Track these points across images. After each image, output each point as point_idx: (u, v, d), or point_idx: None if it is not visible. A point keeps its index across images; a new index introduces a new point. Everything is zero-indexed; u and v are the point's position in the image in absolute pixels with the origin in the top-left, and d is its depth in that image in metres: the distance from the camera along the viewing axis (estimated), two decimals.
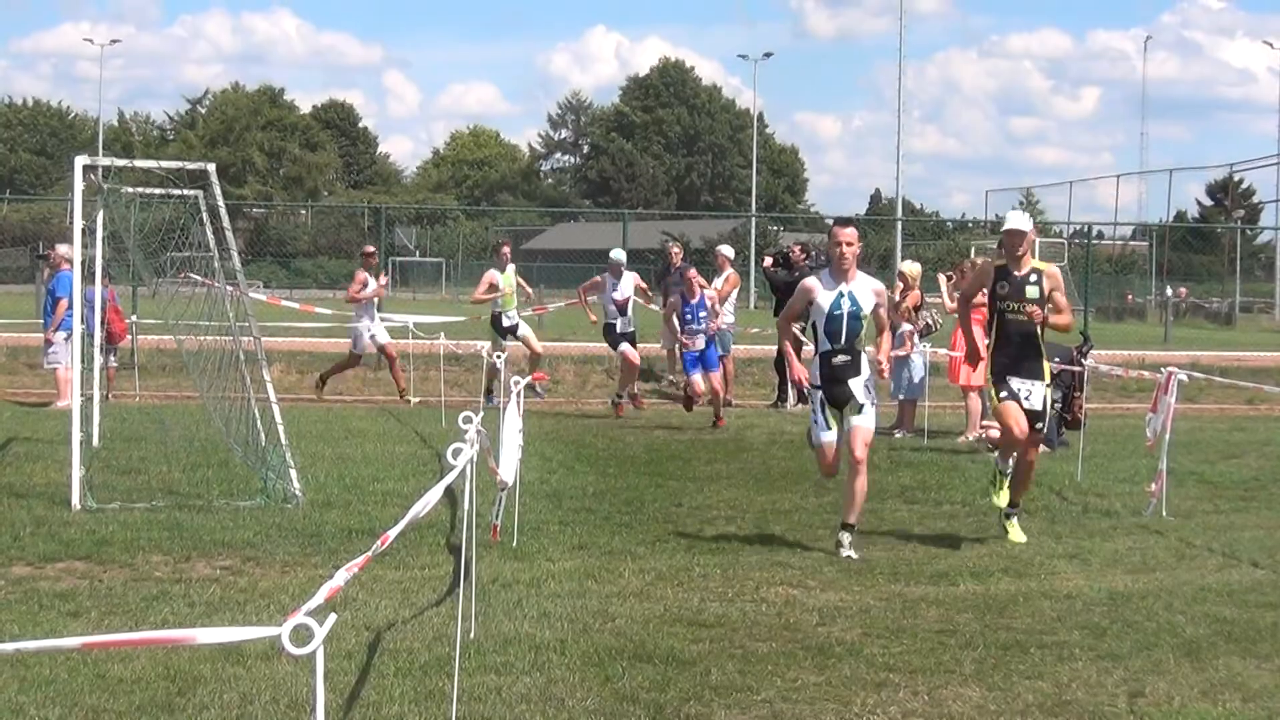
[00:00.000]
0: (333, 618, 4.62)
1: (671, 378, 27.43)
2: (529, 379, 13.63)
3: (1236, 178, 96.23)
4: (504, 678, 8.40)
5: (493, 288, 24.88)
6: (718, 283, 25.14)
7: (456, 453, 7.70)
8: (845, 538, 12.35)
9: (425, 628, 9.45)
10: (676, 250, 27.91)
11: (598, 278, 24.43)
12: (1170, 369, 15.02)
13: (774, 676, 8.61)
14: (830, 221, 17.87)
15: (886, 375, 13.79)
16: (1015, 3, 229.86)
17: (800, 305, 12.78)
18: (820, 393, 12.59)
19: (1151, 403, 15.32)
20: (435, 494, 6.70)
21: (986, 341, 13.18)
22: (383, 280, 26.71)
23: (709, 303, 22.28)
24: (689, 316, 22.01)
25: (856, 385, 12.49)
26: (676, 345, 25.78)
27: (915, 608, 10.40)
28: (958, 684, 8.54)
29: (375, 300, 25.73)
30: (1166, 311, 58.97)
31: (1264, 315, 77.02)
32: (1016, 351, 12.77)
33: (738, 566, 11.71)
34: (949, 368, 21.31)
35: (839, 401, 12.56)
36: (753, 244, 78.57)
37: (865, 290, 12.51)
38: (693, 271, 23.10)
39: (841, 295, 12.41)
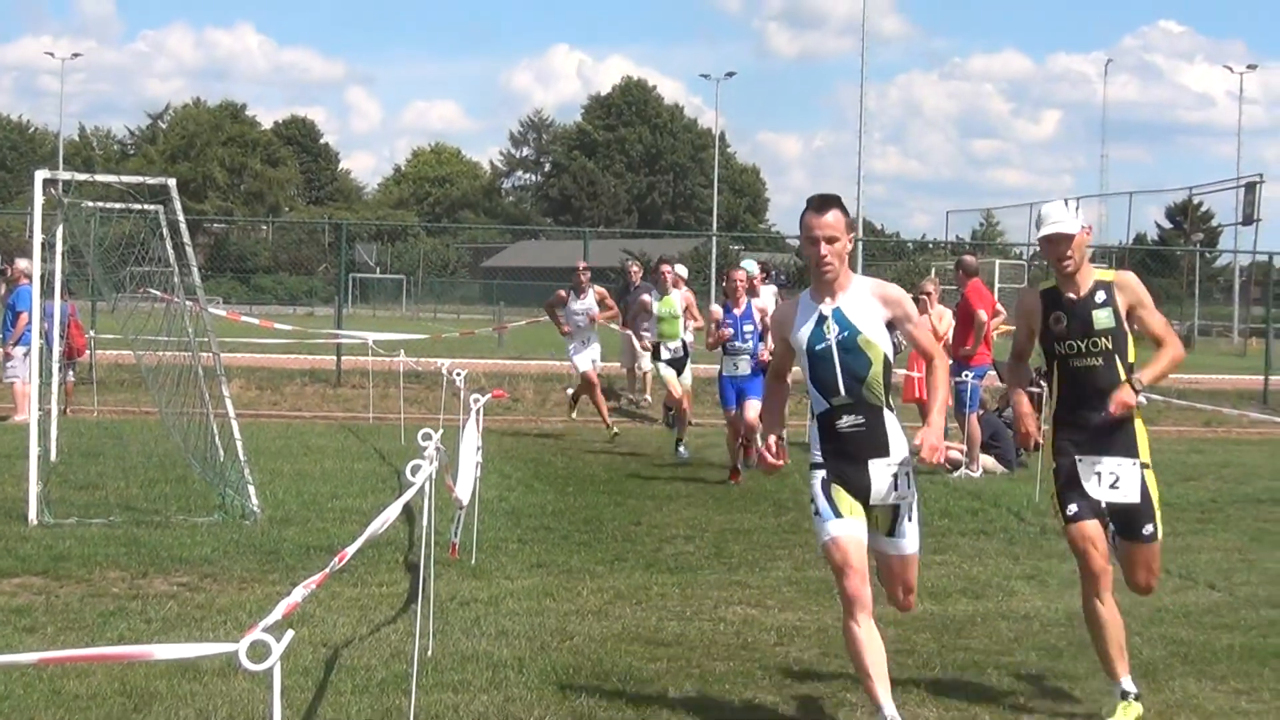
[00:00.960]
0: (290, 634, 4.61)
1: (631, 396, 27.40)
2: (489, 396, 13.49)
3: (1196, 201, 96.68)
4: (461, 695, 8.40)
5: (645, 311, 22.69)
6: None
7: (415, 470, 7.69)
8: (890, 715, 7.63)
9: (383, 645, 9.44)
10: (636, 269, 27.86)
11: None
12: None
13: (731, 696, 8.62)
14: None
15: (940, 460, 8.00)
16: (977, 25, 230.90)
17: (781, 352, 8.37)
18: (822, 472, 7.89)
19: None
20: (394, 511, 6.71)
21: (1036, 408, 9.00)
22: (591, 303, 23.22)
23: (758, 315, 18.08)
24: (730, 331, 17.94)
25: (880, 472, 7.81)
26: (637, 364, 25.61)
27: None
28: (915, 704, 8.55)
29: (586, 322, 23.20)
30: None
31: (1222, 339, 77.31)
32: (1090, 411, 8.42)
33: (696, 585, 11.71)
34: (904, 386, 21.30)
35: (854, 487, 7.82)
36: (714, 263, 78.62)
37: (864, 303, 7.90)
38: (740, 272, 18.68)
39: (823, 320, 7.88)
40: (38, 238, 14.61)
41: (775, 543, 13.76)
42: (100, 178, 16.05)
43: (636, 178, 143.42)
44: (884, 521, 7.87)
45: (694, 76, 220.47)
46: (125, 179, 16.08)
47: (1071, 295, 8.54)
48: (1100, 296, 8.49)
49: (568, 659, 9.29)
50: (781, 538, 13.91)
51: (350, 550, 6.10)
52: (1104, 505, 8.39)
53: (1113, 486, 8.35)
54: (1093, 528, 8.39)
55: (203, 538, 12.95)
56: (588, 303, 23.03)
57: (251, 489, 14.12)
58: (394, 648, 9.33)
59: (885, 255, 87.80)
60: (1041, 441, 8.77)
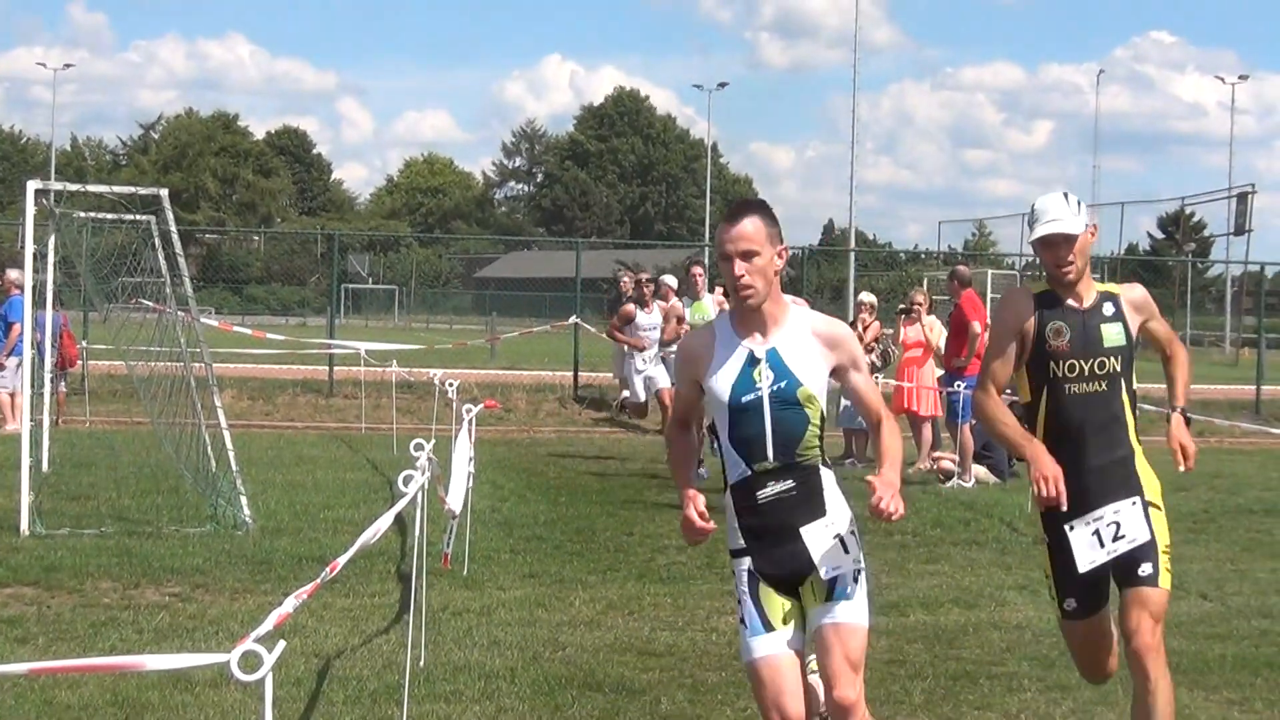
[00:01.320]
0: (281, 645, 4.60)
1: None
2: (481, 406, 13.42)
3: (1188, 211, 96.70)
4: (453, 706, 8.39)
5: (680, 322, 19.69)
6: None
7: (407, 480, 7.69)
8: None
9: (375, 655, 9.43)
10: (628, 280, 27.83)
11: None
12: None
13: (724, 706, 8.61)
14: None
15: (896, 516, 6.25)
16: (969, 36, 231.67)
17: (688, 396, 6.52)
18: (747, 561, 6.46)
19: None
20: (385, 521, 6.69)
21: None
22: (658, 317, 20.84)
23: None
24: None
25: (817, 537, 6.21)
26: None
27: None
28: (906, 714, 8.55)
29: (653, 341, 20.91)
30: None
31: (1214, 349, 77.36)
32: (1086, 453, 6.91)
33: (688, 595, 11.70)
34: (895, 396, 21.27)
35: (786, 574, 6.27)
36: (706, 273, 78.67)
37: (804, 344, 6.17)
38: None
39: (754, 363, 6.12)
40: (30, 248, 14.62)
41: None
42: (92, 188, 16.03)
43: (629, 188, 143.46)
44: (820, 590, 6.17)
45: (686, 87, 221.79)
46: (117, 189, 16.09)
47: (1073, 303, 6.95)
48: (1109, 309, 6.96)
49: (560, 669, 9.28)
50: None
51: (342, 560, 6.10)
52: (1110, 564, 6.99)
53: (1116, 538, 6.91)
54: (1089, 627, 7.26)
55: (195, 548, 12.93)
56: (655, 317, 21.05)
57: (243, 499, 14.11)
58: (386, 658, 9.32)
59: (877, 265, 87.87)
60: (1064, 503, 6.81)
